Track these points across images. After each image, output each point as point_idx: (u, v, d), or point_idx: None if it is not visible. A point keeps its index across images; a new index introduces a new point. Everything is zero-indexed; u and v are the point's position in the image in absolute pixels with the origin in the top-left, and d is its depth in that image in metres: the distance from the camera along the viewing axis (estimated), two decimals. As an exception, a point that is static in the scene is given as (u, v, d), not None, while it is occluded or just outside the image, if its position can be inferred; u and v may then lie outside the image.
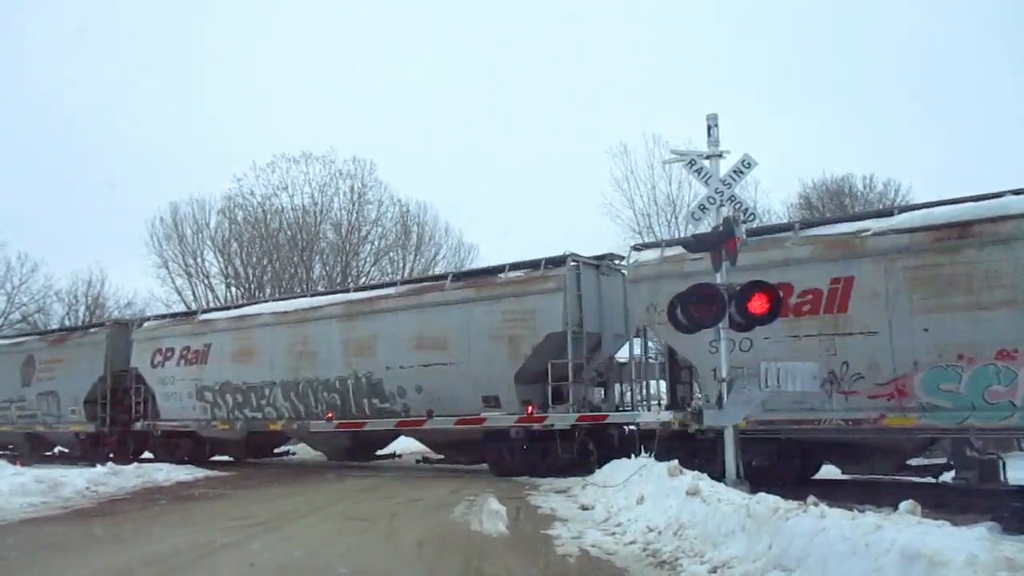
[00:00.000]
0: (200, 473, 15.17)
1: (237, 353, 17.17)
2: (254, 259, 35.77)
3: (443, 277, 15.04)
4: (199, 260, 35.87)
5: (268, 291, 33.24)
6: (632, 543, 7.00)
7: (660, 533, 7.03)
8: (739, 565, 5.57)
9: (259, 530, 8.25)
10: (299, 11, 67.78)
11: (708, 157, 9.41)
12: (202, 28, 65.31)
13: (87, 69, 62.27)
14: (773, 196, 43.71)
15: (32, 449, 21.95)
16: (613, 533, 7.53)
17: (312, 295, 18.28)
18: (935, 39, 50.93)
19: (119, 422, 19.39)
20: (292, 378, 16.09)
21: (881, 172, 31.74)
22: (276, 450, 19.69)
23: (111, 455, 18.27)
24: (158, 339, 18.91)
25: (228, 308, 19.78)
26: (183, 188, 63.88)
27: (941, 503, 8.47)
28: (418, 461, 15.81)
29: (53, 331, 24.47)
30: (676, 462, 8.88)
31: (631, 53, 59.82)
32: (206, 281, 35.81)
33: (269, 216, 35.38)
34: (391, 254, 36.28)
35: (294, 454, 20.26)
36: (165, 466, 15.23)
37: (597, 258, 14.15)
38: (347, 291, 17.02)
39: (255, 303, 20.06)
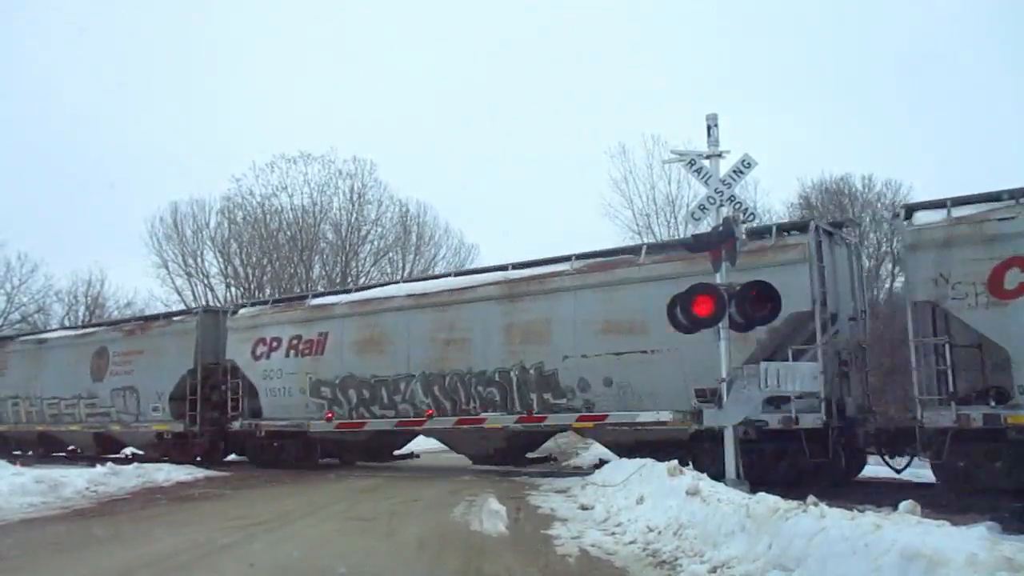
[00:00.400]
0: (200, 473, 15.15)
1: (364, 342, 15.06)
2: (254, 259, 35.82)
3: (633, 249, 12.85)
4: (199, 260, 36.01)
5: (268, 291, 33.23)
6: (632, 543, 7.00)
7: (660, 533, 7.03)
8: (739, 565, 5.57)
9: (259, 530, 8.25)
10: (299, 11, 67.86)
11: (708, 157, 9.42)
12: (202, 28, 65.42)
13: (87, 69, 62.37)
14: (773, 196, 43.85)
15: (101, 451, 19.98)
16: (613, 533, 7.53)
17: (458, 274, 15.62)
18: (935, 39, 50.99)
19: (206, 421, 17.42)
20: (436, 370, 14.00)
21: (881, 172, 31.80)
22: (396, 452, 17.23)
23: (198, 458, 17.03)
24: (260, 327, 16.78)
25: (348, 291, 17.07)
26: (183, 188, 64.32)
27: (941, 503, 8.48)
28: (595, 466, 13.20)
29: (129, 320, 22.13)
30: (675, 462, 8.87)
31: (631, 53, 59.88)
32: (206, 281, 35.92)
33: (268, 216, 35.46)
34: (391, 254, 36.36)
35: (417, 456, 17.95)
36: (165, 466, 15.18)
37: (833, 225, 12.20)
38: (504, 268, 14.40)
39: (381, 285, 16.89)
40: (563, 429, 14.05)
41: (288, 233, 35.52)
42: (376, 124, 57.63)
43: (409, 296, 14.83)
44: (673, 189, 29.57)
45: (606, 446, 13.29)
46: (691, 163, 9.56)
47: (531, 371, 13.00)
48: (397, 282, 16.45)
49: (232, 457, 18.31)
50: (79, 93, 60.55)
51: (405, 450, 17.44)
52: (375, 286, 16.96)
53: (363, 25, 68.34)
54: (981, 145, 44.57)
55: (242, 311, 17.95)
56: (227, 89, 63.84)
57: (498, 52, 67.77)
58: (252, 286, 35.09)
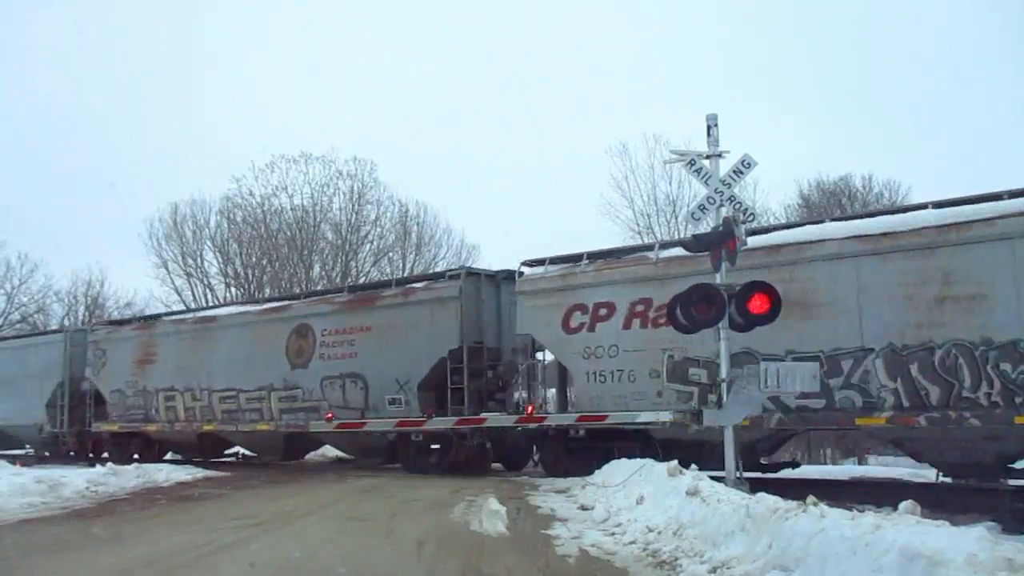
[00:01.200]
0: (200, 473, 15.12)
1: None
2: (253, 259, 35.83)
3: None
4: (199, 260, 36.02)
5: (268, 291, 33.18)
6: (632, 543, 7.00)
7: (660, 533, 7.03)
8: (739, 565, 5.57)
9: (259, 530, 8.24)
10: (299, 11, 67.83)
11: (708, 157, 9.42)
12: (202, 28, 65.41)
13: (87, 69, 62.40)
14: (772, 197, 43.85)
15: (287, 454, 16.88)
16: (613, 533, 7.53)
17: (940, 204, 10.57)
18: (935, 39, 51.01)
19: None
20: (916, 341, 9.87)
21: (881, 172, 31.78)
22: (764, 460, 12.09)
23: (451, 464, 13.65)
24: (576, 290, 12.81)
25: None
26: (183, 188, 64.26)
27: (941, 503, 8.48)
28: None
29: (343, 289, 17.34)
30: (675, 462, 8.87)
31: (631, 53, 59.90)
32: (206, 281, 35.95)
33: (268, 216, 35.47)
34: (391, 254, 36.35)
35: (798, 465, 13.32)
36: (165, 466, 15.15)
37: None
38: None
39: (792, 224, 12.22)
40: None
41: (288, 233, 35.53)
42: (376, 124, 57.72)
43: (858, 238, 10.52)
44: (674, 189, 29.58)
45: None
46: (691, 163, 9.55)
47: None
48: (820, 220, 12.12)
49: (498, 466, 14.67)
50: (79, 93, 60.66)
51: (780, 459, 12.85)
52: (780, 227, 12.02)
53: (363, 25, 68.41)
54: (981, 145, 44.66)
55: (535, 270, 13.57)
56: (227, 89, 63.94)
57: (498, 52, 67.86)
58: (252, 286, 35.10)
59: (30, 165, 56.01)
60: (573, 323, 12.69)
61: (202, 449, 18.49)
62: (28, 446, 22.25)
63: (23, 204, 51.08)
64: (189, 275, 35.82)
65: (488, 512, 8.48)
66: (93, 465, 14.48)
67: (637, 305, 12.10)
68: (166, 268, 35.80)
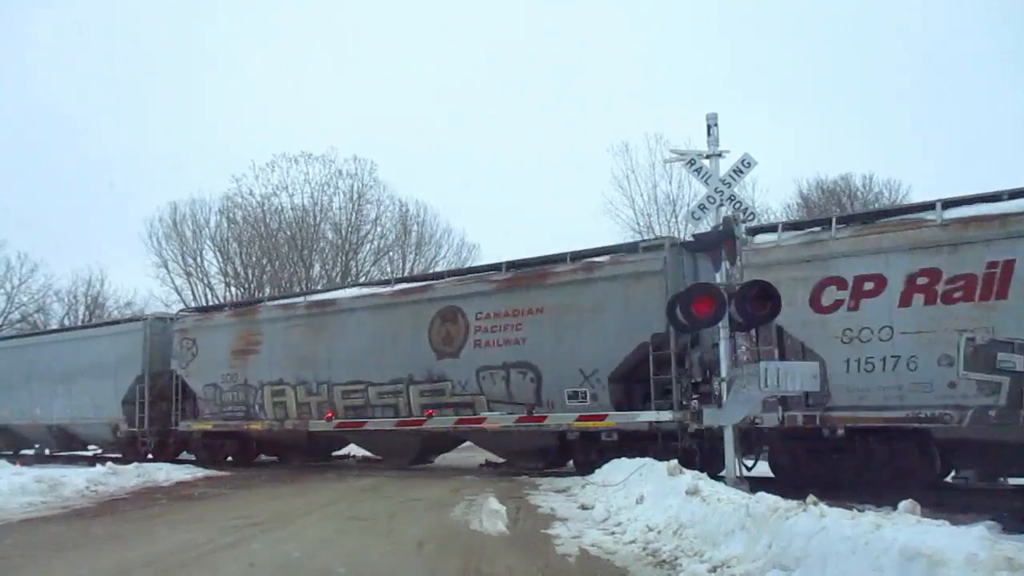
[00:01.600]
0: (200, 473, 15.13)
1: None
2: (253, 259, 35.85)
3: None
4: (198, 260, 36.04)
5: (268, 291, 33.20)
6: (632, 542, 7.00)
7: (660, 532, 7.03)
8: (739, 564, 5.57)
9: (259, 530, 8.24)
10: (299, 11, 67.82)
11: (708, 156, 9.43)
12: (202, 28, 65.40)
13: (87, 69, 62.37)
14: (771, 196, 43.85)
15: (420, 456, 15.20)
16: (613, 532, 7.53)
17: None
18: (935, 38, 51.01)
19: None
20: None
21: (881, 172, 31.76)
22: None
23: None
24: (823, 262, 10.46)
25: None
26: (183, 188, 64.28)
27: (941, 503, 8.47)
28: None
29: (498, 266, 14.32)
30: (675, 461, 8.87)
31: (631, 53, 59.87)
32: (206, 280, 35.96)
33: (268, 216, 35.49)
34: (391, 254, 36.38)
35: None
36: (165, 466, 15.15)
37: None
38: None
39: None
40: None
41: (288, 233, 35.57)
42: (376, 124, 57.71)
43: None
44: (674, 189, 29.60)
45: None
46: (691, 162, 9.56)
47: None
48: None
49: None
50: (79, 93, 60.66)
51: None
52: None
53: (363, 25, 68.37)
54: (981, 145, 44.66)
55: (766, 237, 11.05)
56: (227, 89, 63.93)
57: (498, 52, 67.82)
58: (252, 286, 35.12)
59: (30, 165, 56.06)
60: (825, 300, 10.44)
61: (313, 450, 16.87)
62: (92, 446, 20.56)
63: (23, 204, 51.20)
64: (189, 275, 35.89)
65: (488, 511, 8.49)
66: (94, 465, 14.47)
67: (919, 277, 9.86)
68: (166, 268, 35.88)
